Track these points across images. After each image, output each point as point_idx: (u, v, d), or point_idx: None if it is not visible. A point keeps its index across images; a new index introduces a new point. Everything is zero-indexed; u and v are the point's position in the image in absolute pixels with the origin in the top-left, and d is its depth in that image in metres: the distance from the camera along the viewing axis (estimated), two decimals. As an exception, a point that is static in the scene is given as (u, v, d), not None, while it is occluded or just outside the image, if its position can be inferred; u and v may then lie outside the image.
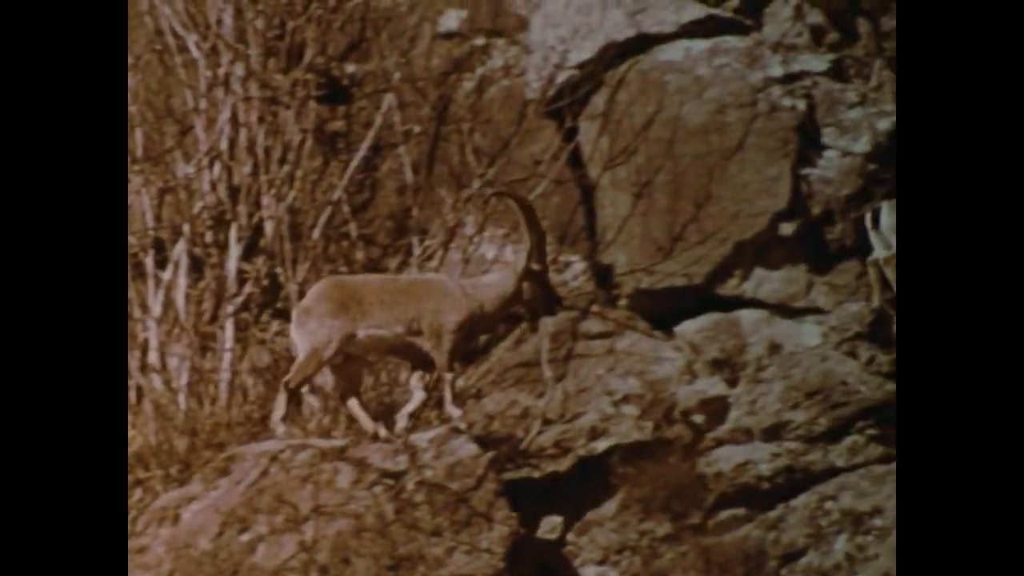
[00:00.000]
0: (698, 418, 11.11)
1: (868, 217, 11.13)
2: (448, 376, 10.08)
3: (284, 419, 10.04)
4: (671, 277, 11.48)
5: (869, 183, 11.55)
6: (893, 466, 10.64)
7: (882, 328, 11.16)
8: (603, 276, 11.81)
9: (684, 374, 11.29)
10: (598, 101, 12.01)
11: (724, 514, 10.67)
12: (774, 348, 11.19)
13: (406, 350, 10.19)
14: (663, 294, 11.53)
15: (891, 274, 11.07)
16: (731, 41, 12.09)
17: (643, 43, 12.10)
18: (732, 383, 11.16)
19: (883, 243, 11.10)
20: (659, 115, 11.70)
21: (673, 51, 12.05)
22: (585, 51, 12.08)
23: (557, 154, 11.93)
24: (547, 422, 11.16)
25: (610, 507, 10.66)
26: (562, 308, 10.56)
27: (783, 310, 11.37)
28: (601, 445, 10.94)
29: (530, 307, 10.36)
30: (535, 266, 10.26)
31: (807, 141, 11.67)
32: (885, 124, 11.74)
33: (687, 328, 11.42)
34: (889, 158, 11.52)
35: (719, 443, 10.97)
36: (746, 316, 11.36)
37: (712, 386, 11.19)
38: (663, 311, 11.58)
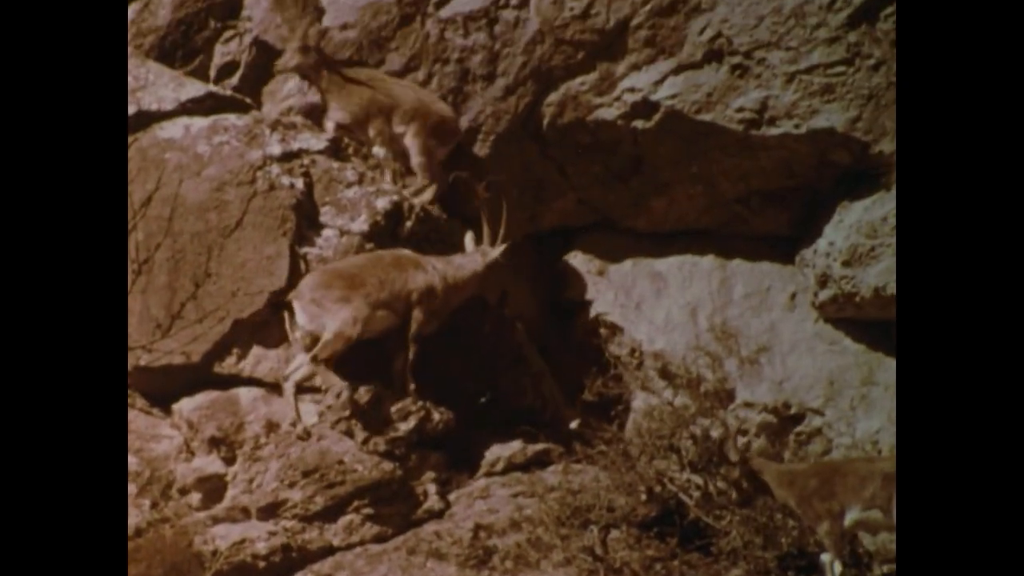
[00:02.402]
0: (196, 496, 11.27)
1: None
2: (412, 348, 11.43)
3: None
4: (169, 355, 11.61)
5: (367, 262, 11.77)
6: (388, 545, 10.98)
7: (378, 409, 11.42)
8: (101, 353, 11.99)
9: (182, 452, 11.47)
10: (99, 178, 12.21)
11: (220, 593, 10.65)
12: (271, 426, 11.41)
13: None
14: (161, 372, 11.70)
15: None
16: (230, 119, 12.39)
17: (143, 120, 12.31)
18: (229, 461, 11.35)
19: None
20: (158, 192, 11.71)
21: (173, 128, 12.28)
22: (88, 129, 12.29)
23: (57, 230, 12.05)
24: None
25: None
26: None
27: (281, 389, 11.50)
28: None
29: (493, 293, 11.88)
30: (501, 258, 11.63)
31: (305, 220, 11.95)
32: (383, 203, 12.11)
33: (185, 406, 11.60)
34: (383, 237, 11.97)
35: (216, 521, 11.04)
36: (244, 394, 11.58)
37: (210, 464, 11.36)
38: (162, 389, 11.77)
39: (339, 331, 11.27)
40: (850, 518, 10.09)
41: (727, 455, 10.45)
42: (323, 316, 11.31)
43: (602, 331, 12.91)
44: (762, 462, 10.52)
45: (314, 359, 11.25)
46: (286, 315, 11.45)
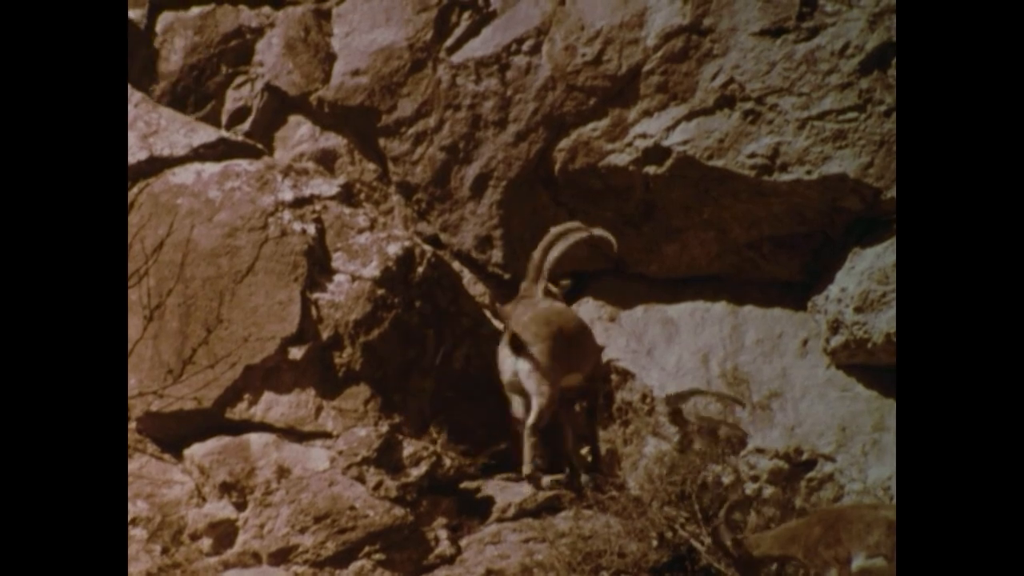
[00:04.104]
0: (207, 541, 11.48)
1: None
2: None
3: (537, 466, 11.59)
4: (181, 401, 11.76)
5: (378, 308, 12.11)
6: (399, 591, 11.11)
7: (389, 454, 11.68)
8: (112, 398, 12.22)
9: (193, 497, 11.66)
10: (110, 224, 12.43)
11: (230, 638, 10.75)
12: (283, 472, 11.57)
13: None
14: (173, 417, 11.91)
15: None
16: (242, 164, 12.64)
17: (155, 166, 12.58)
18: (241, 506, 11.54)
19: None
20: (170, 238, 11.92)
21: (185, 174, 12.54)
22: (101, 174, 12.54)
23: (72, 276, 12.25)
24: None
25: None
26: None
27: (292, 434, 11.81)
28: (107, 569, 11.18)
29: None
30: None
31: (317, 265, 12.17)
32: (395, 248, 12.36)
33: (196, 451, 11.78)
34: (395, 283, 12.20)
35: (227, 566, 11.25)
36: (255, 440, 11.77)
37: (221, 509, 11.56)
38: (173, 434, 11.97)
39: (551, 394, 11.71)
40: (855, 565, 10.17)
41: (722, 540, 10.62)
42: (539, 368, 11.71)
43: (613, 377, 12.99)
44: (756, 538, 10.66)
45: (533, 429, 11.64)
46: (508, 337, 11.83)
